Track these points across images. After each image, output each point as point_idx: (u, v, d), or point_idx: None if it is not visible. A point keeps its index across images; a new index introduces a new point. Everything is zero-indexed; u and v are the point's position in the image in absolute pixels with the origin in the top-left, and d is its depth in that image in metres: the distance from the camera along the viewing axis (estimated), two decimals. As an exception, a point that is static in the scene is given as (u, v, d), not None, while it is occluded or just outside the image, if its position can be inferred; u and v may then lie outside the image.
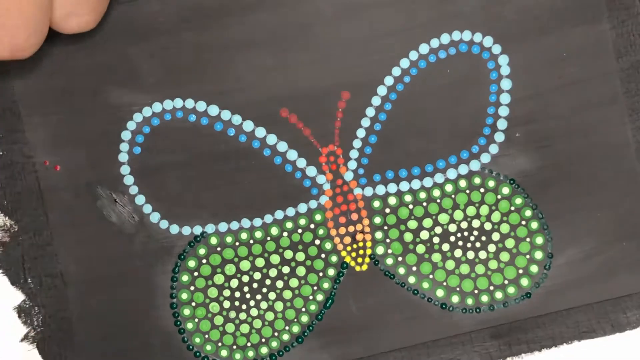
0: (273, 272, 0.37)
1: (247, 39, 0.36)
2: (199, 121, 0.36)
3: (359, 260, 0.37)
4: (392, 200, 0.37)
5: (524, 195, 0.37)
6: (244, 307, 0.37)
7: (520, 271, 0.37)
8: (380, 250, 0.37)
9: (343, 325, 0.37)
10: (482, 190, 0.37)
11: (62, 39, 0.35)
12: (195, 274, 0.37)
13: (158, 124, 0.36)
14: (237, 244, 0.37)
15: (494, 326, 0.37)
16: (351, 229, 0.37)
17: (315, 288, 0.37)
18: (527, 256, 0.37)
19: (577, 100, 0.37)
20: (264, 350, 0.37)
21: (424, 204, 0.37)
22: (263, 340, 0.37)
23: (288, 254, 0.37)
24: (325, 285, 0.37)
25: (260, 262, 0.37)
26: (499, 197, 0.37)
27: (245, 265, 0.37)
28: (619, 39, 0.36)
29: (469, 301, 0.37)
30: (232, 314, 0.37)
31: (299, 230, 0.37)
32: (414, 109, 0.37)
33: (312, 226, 0.37)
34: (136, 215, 0.37)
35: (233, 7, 0.36)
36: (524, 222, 0.37)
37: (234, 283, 0.37)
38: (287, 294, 0.37)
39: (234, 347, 0.37)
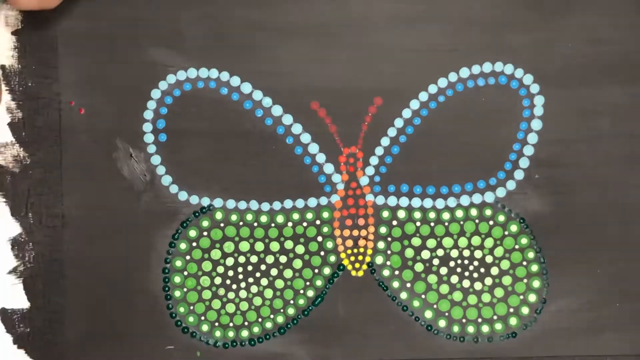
0: (270, 259, 0.37)
1: (295, 26, 0.36)
2: (229, 95, 0.36)
3: (357, 265, 0.37)
4: (402, 214, 0.37)
5: (531, 237, 0.37)
6: (234, 287, 0.37)
7: (511, 310, 0.37)
8: (379, 259, 0.37)
9: (327, 326, 0.37)
10: (490, 222, 0.37)
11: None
12: (194, 244, 0.37)
13: (189, 89, 0.36)
14: (240, 223, 0.37)
15: (475, 358, 0.37)
16: (355, 233, 0.37)
17: (307, 283, 0.37)
18: (521, 297, 0.37)
19: (602, 155, 0.37)
20: (244, 333, 0.37)
21: (432, 224, 0.37)
22: (246, 323, 0.37)
23: (288, 244, 0.37)
24: (318, 282, 0.37)
25: (259, 246, 0.37)
26: (505, 233, 0.37)
27: (244, 246, 0.37)
28: (654, 104, 0.37)
29: (455, 328, 0.37)
30: (221, 291, 0.37)
31: (304, 224, 0.37)
32: (442, 129, 0.37)
33: (317, 222, 0.37)
34: (148, 174, 0.37)
35: (288, -8, 0.36)
36: (524, 263, 0.37)
37: (230, 261, 0.37)
38: (279, 284, 0.37)
39: (216, 324, 0.37)
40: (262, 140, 0.37)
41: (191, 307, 0.37)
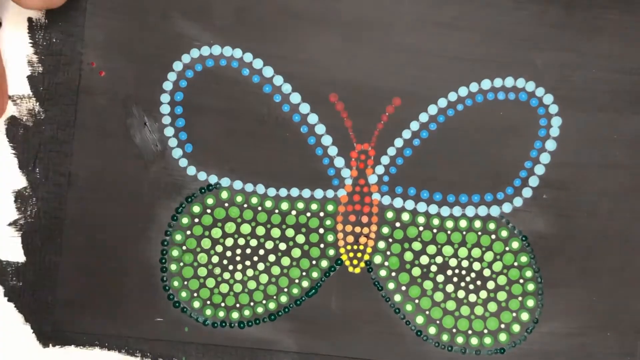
0: (269, 245, 0.37)
1: (325, 16, 0.36)
2: (250, 77, 0.37)
3: (355, 262, 0.37)
4: (406, 217, 0.37)
5: (531, 256, 0.37)
6: (230, 267, 0.37)
7: (503, 326, 0.37)
8: (377, 259, 0.37)
9: (318, 318, 0.37)
10: (493, 236, 0.37)
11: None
12: (196, 220, 0.37)
13: (211, 66, 0.36)
14: (245, 205, 0.37)
15: (460, 368, 0.37)
16: (357, 229, 0.37)
17: (304, 273, 0.37)
18: (514, 314, 0.37)
19: (612, 184, 0.37)
20: (235, 315, 0.37)
21: (434, 230, 0.37)
22: (237, 305, 0.37)
23: (289, 232, 0.37)
24: (315, 274, 0.37)
25: (260, 230, 0.37)
26: (506, 248, 0.37)
27: (245, 228, 0.37)
28: (670, 140, 0.37)
29: (445, 337, 0.37)
30: (217, 270, 0.37)
31: (308, 214, 0.37)
32: (456, 138, 0.37)
33: (321, 214, 0.37)
34: (160, 145, 0.37)
35: (321, -18, 0.36)
36: (521, 281, 0.37)
37: (229, 242, 0.37)
38: (275, 270, 0.37)
39: (208, 302, 0.37)
40: (276, 125, 0.37)
41: (185, 283, 0.37)
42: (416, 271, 0.37)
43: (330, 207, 0.37)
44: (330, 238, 0.37)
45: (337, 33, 0.36)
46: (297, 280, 0.37)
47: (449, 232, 0.37)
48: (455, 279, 0.37)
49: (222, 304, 0.37)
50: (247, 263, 0.37)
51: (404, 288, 0.37)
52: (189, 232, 0.37)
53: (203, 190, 0.37)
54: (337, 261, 0.37)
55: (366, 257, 0.37)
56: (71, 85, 0.36)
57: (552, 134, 0.37)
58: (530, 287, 0.37)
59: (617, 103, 0.37)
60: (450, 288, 0.37)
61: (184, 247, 0.37)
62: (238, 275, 0.37)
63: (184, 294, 0.37)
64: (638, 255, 0.37)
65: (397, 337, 0.37)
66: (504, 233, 0.37)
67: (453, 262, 0.37)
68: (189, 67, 0.36)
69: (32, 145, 0.36)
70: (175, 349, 0.37)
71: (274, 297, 0.37)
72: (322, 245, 0.37)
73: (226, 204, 0.37)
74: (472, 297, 0.37)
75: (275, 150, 0.37)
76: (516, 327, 0.37)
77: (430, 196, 0.37)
